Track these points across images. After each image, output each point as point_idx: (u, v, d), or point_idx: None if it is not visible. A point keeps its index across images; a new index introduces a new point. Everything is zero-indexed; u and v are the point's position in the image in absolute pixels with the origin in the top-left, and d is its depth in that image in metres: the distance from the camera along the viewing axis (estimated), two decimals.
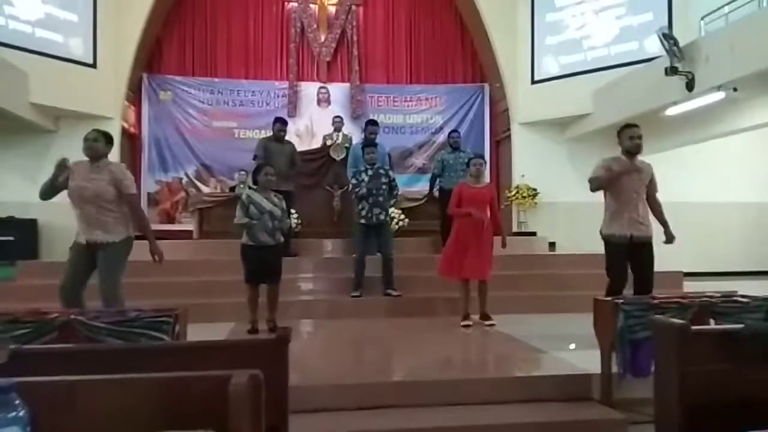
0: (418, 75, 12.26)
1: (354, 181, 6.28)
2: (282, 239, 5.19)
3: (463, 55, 12.35)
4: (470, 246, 5.32)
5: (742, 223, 11.27)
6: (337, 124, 8.70)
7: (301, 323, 5.86)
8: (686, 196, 10.83)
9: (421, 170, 11.82)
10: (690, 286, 6.82)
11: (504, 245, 5.63)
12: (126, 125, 10.67)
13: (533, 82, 11.10)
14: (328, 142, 8.62)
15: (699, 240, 10.95)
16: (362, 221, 6.17)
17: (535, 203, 10.79)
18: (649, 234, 4.53)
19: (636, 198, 4.50)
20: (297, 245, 7.40)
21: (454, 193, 5.55)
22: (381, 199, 6.18)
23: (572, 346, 4.66)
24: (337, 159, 8.25)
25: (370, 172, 6.21)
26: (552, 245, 9.20)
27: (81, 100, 9.77)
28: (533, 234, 10.02)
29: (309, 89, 11.85)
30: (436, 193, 7.62)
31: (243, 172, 9.80)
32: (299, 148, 10.32)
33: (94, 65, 10.02)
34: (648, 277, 4.44)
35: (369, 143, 7.11)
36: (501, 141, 12.06)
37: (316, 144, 10.05)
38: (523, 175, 10.97)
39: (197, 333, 3.12)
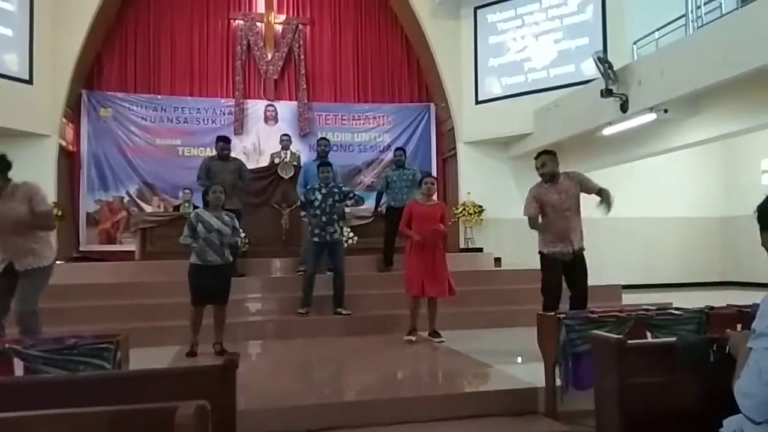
0: (366, 94, 12.35)
1: (303, 198, 6.28)
2: (231, 258, 5.11)
3: (410, 75, 12.53)
4: (426, 265, 5.40)
5: (676, 237, 11.80)
6: (285, 142, 8.67)
7: (249, 345, 5.77)
8: (624, 212, 11.19)
9: (370, 188, 11.83)
10: (628, 299, 7.09)
11: (443, 233, 5.56)
12: (64, 143, 10.29)
13: (477, 102, 11.38)
14: (276, 160, 8.57)
15: (637, 254, 11.41)
16: (316, 239, 6.16)
17: (481, 220, 11.00)
18: (579, 247, 4.72)
19: (568, 216, 4.71)
20: (244, 265, 7.29)
21: (405, 210, 5.62)
22: (335, 217, 6.20)
23: (519, 359, 4.76)
24: (286, 177, 8.21)
25: (323, 191, 6.23)
26: (498, 261, 9.39)
27: (16, 117, 9.37)
28: (479, 250, 10.21)
29: (256, 107, 11.75)
30: (382, 209, 7.68)
31: (188, 191, 9.60)
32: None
33: (30, 81, 9.64)
34: (582, 292, 4.64)
35: (321, 157, 7.16)
36: (447, 159, 12.27)
37: (264, 162, 9.97)
38: (468, 193, 11.18)
39: (140, 359, 3.03)
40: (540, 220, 4.80)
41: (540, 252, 4.82)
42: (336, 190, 6.30)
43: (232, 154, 7.22)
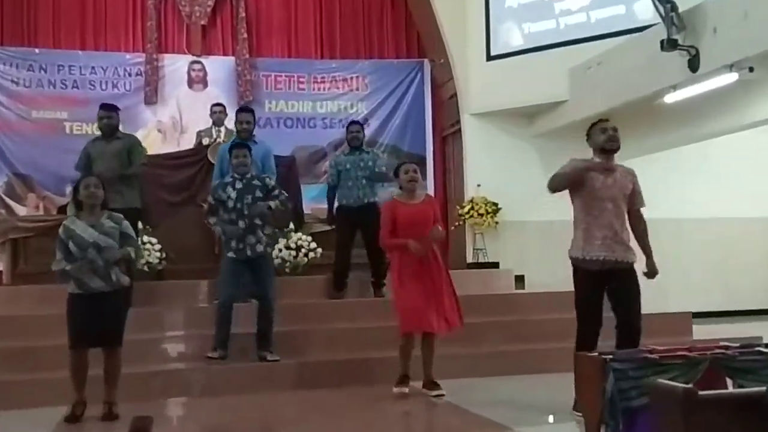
0: (333, 46, 12.32)
1: (211, 199, 6.21)
2: (126, 280, 5.08)
3: (394, 20, 12.53)
4: (426, 287, 5.40)
5: (766, 245, 11.89)
6: (218, 115, 8.62)
7: (168, 404, 5.72)
8: (694, 211, 11.36)
9: None
10: (701, 332, 7.17)
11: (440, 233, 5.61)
12: None
13: (489, 57, 11.39)
14: (205, 141, 8.52)
15: (712, 269, 11.49)
16: (231, 254, 6.14)
17: (496, 223, 11.00)
18: (631, 258, 4.76)
19: (612, 210, 4.74)
20: (158, 289, 7.27)
21: (384, 215, 5.59)
22: (257, 221, 6.14)
23: (549, 419, 4.79)
24: None
25: (239, 185, 6.16)
26: (520, 280, 9.42)
27: None
28: (494, 266, 10.23)
29: (176, 65, 11.65)
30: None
31: None
32: (162, 148, 10.21)
33: None
34: (633, 317, 4.66)
35: (243, 137, 7.05)
36: (448, 138, 12.28)
37: (188, 143, 9.90)
38: (479, 185, 11.17)
39: (11, 426, 2.99)
40: (574, 209, 4.85)
41: (571, 257, 4.83)
42: (257, 182, 6.22)
43: (141, 131, 7.14)
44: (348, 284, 7.53)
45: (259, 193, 6.18)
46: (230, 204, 6.12)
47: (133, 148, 6.85)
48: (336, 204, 7.59)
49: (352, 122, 7.99)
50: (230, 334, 6.11)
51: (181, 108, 11.49)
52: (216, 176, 7.10)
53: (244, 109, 7.52)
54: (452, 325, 5.50)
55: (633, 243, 4.84)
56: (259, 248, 6.17)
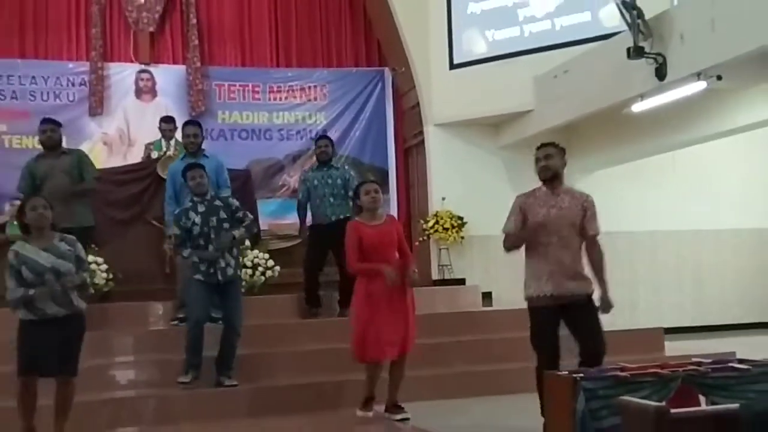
0: (289, 54, 12.33)
1: (176, 230, 6.16)
2: (83, 305, 5.03)
3: (353, 26, 12.58)
4: (391, 312, 5.44)
5: (741, 258, 11.99)
6: (168, 133, 8.59)
7: None
8: (663, 223, 11.50)
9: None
10: (673, 348, 7.27)
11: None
12: None
13: (452, 65, 11.48)
14: (154, 154, 8.50)
15: (684, 283, 11.64)
16: (200, 277, 6.14)
17: (462, 238, 11.05)
18: (586, 290, 4.82)
19: (557, 243, 4.79)
20: (105, 312, 7.18)
21: (349, 238, 5.59)
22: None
23: None
24: None
25: (201, 208, 6.17)
26: (487, 297, 9.47)
27: None
28: (460, 282, 10.31)
29: (123, 74, 11.52)
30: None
31: (17, 201, 9.37)
32: (108, 162, 10.11)
33: None
34: (595, 346, 4.70)
35: (191, 153, 7.09)
36: (411, 149, 12.33)
37: (135, 157, 9.84)
38: (443, 198, 11.22)
39: None
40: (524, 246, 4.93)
41: (525, 298, 4.95)
42: (219, 203, 6.27)
43: (86, 144, 7.13)
44: (322, 301, 7.59)
45: (223, 214, 6.20)
46: (196, 230, 6.12)
47: (83, 162, 6.91)
48: (309, 222, 7.71)
49: (321, 137, 8.07)
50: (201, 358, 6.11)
51: (128, 119, 11.37)
52: (170, 195, 7.13)
53: (191, 123, 7.57)
54: (405, 351, 5.54)
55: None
56: (230, 272, 6.19)
